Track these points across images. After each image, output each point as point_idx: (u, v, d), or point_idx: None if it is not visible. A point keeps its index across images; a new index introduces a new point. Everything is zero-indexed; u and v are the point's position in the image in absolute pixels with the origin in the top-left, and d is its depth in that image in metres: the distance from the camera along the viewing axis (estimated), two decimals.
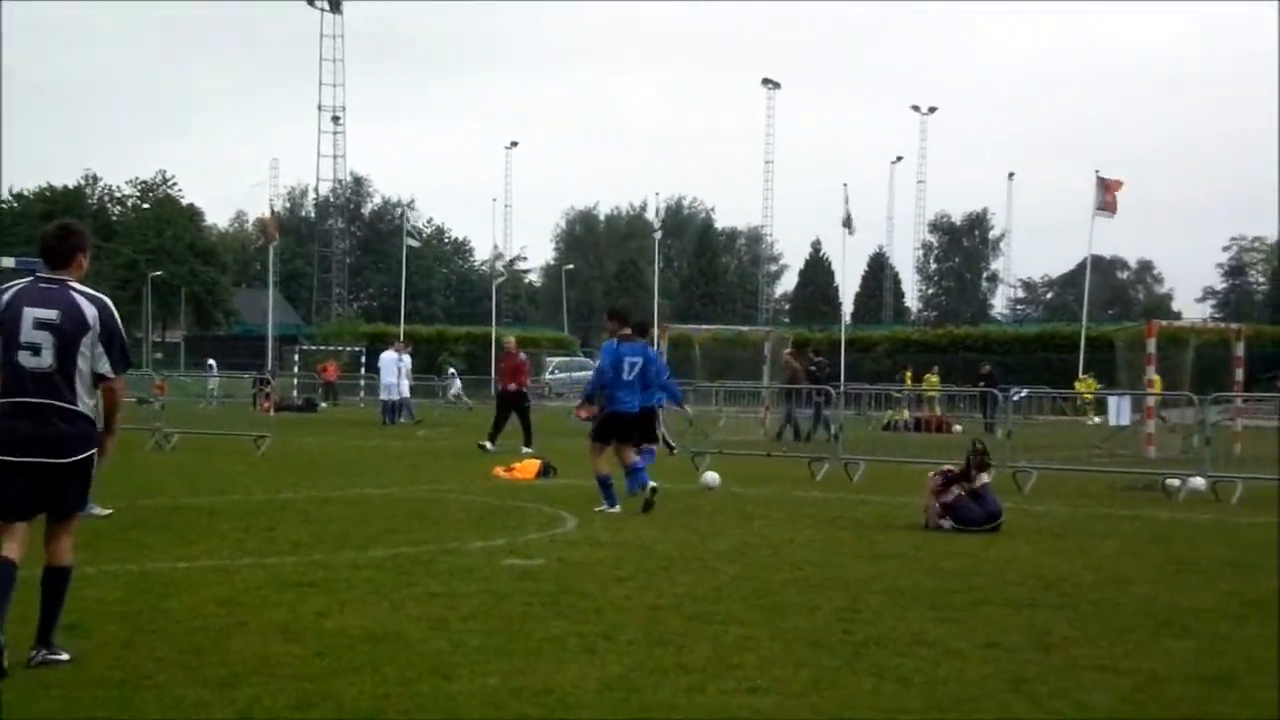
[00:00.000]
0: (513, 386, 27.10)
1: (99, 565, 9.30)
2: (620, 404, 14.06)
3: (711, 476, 17.15)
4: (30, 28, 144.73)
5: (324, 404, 48.13)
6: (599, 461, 14.06)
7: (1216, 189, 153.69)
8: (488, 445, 24.73)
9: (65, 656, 6.56)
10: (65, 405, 6.40)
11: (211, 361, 53.64)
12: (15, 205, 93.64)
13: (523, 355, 29.81)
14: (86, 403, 6.49)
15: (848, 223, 54.17)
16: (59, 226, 6.80)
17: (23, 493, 6.40)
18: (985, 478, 13.01)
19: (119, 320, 6.61)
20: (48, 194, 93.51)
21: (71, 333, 6.40)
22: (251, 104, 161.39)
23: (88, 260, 6.70)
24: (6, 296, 6.47)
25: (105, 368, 6.50)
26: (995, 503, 12.91)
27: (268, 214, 74.99)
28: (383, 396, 36.86)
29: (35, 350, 6.37)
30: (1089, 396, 39.49)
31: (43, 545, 6.63)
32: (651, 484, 13.94)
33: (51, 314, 6.39)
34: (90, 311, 6.46)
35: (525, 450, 23.61)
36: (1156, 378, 25.60)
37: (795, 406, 27.55)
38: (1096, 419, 36.40)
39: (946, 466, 13.49)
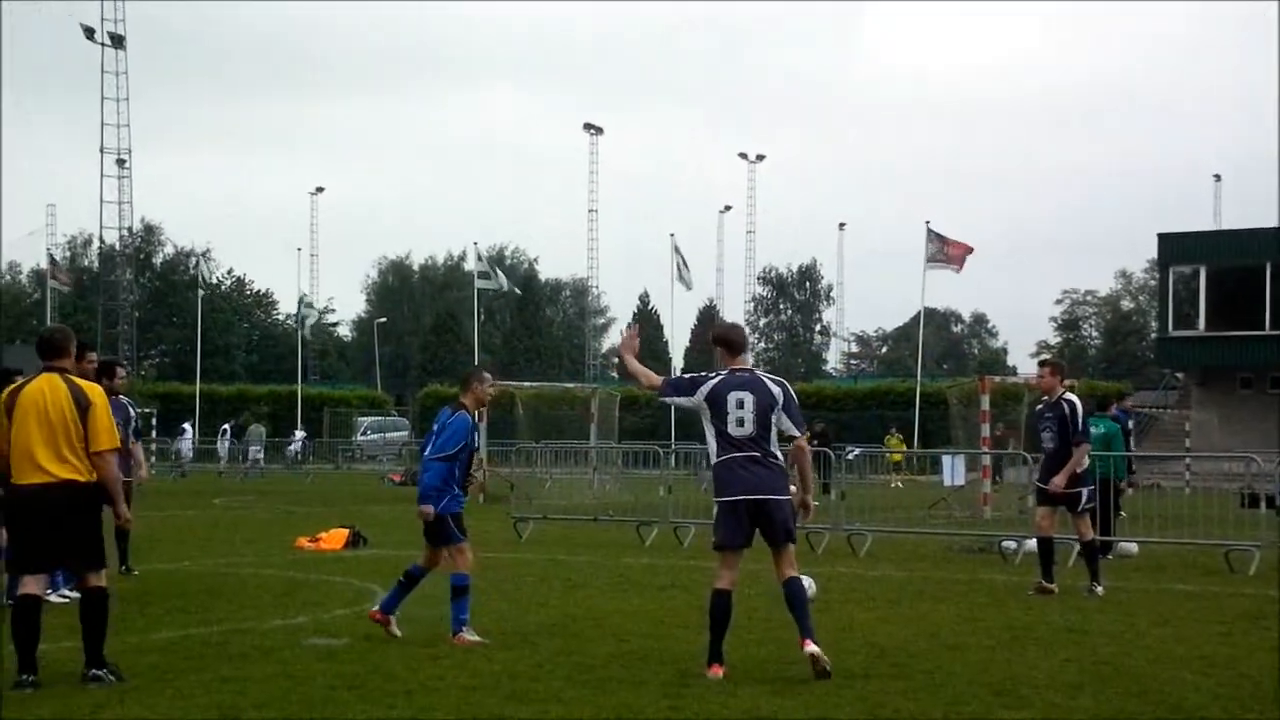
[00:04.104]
0: None
1: None
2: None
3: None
4: None
5: None
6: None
7: (1048, 240, 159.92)
8: None
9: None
10: (767, 457, 8.91)
11: None
12: None
13: None
14: (780, 457, 8.97)
15: (683, 277, 54.74)
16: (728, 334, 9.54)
17: (747, 527, 8.86)
18: None
19: (794, 393, 9.08)
20: None
21: (764, 405, 8.89)
22: (24, 145, 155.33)
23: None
24: (712, 383, 9.02)
25: (791, 429, 8.98)
26: None
27: (45, 264, 72.42)
28: None
29: (740, 421, 8.84)
30: (898, 457, 40.66)
31: None
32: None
33: (747, 394, 8.91)
34: (776, 390, 8.96)
35: None
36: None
37: None
38: (899, 481, 37.47)
39: None
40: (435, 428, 10.63)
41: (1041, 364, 14.74)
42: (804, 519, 9.55)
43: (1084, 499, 13.76)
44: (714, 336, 9.74)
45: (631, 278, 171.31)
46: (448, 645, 9.94)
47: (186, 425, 52.96)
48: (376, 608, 10.59)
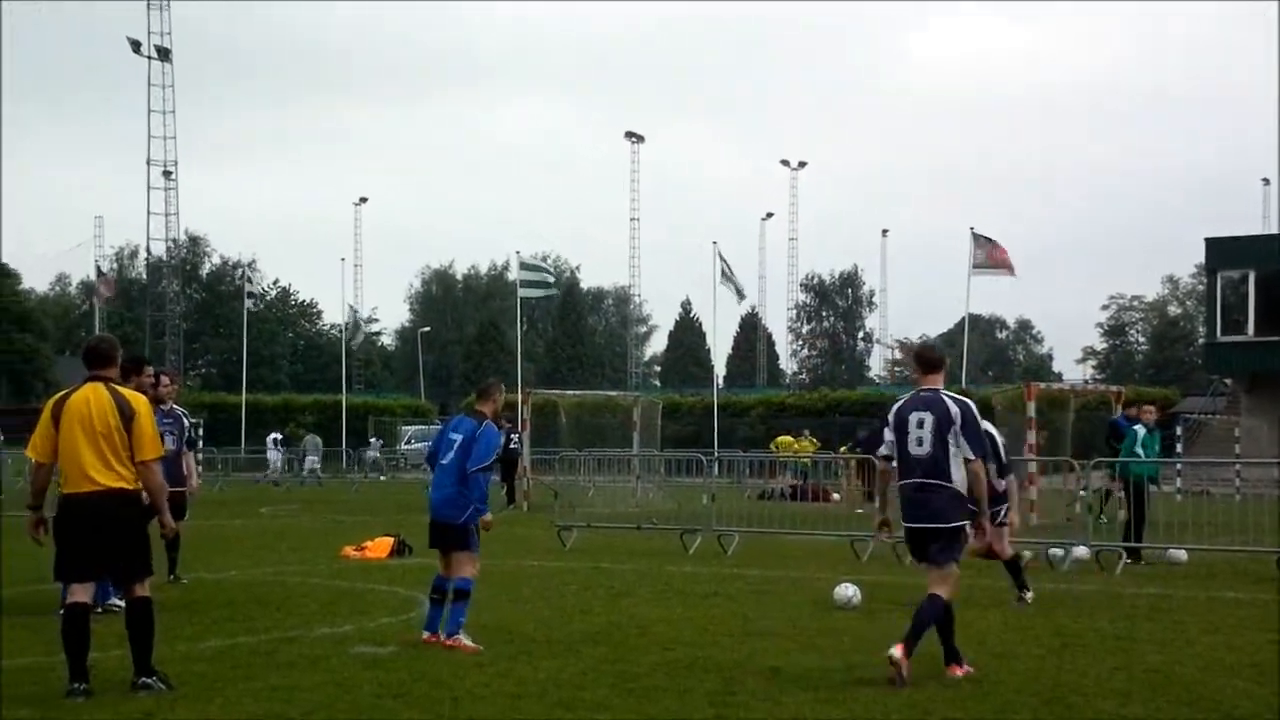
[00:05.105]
0: None
1: None
2: (430, 496, 10.82)
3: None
4: None
5: None
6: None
7: (1095, 245, 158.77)
8: None
9: None
10: (940, 482, 8.90)
11: None
12: None
13: None
14: (957, 478, 8.90)
15: (737, 289, 54.10)
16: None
17: (921, 546, 9.15)
18: None
19: (977, 415, 9.08)
20: None
21: (942, 424, 8.91)
22: (72, 157, 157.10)
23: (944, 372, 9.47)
24: (898, 405, 9.25)
25: (968, 451, 8.91)
26: None
27: (94, 276, 73.28)
28: None
29: (920, 441, 8.93)
30: None
31: None
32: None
33: (926, 413, 8.98)
34: (954, 409, 8.94)
35: None
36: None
37: None
38: None
39: None
40: (457, 436, 10.44)
41: None
42: (977, 540, 9.47)
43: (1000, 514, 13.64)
44: (913, 353, 10.11)
45: (673, 285, 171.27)
46: (492, 652, 9.95)
47: (279, 435, 53.11)
48: (428, 632, 10.39)
